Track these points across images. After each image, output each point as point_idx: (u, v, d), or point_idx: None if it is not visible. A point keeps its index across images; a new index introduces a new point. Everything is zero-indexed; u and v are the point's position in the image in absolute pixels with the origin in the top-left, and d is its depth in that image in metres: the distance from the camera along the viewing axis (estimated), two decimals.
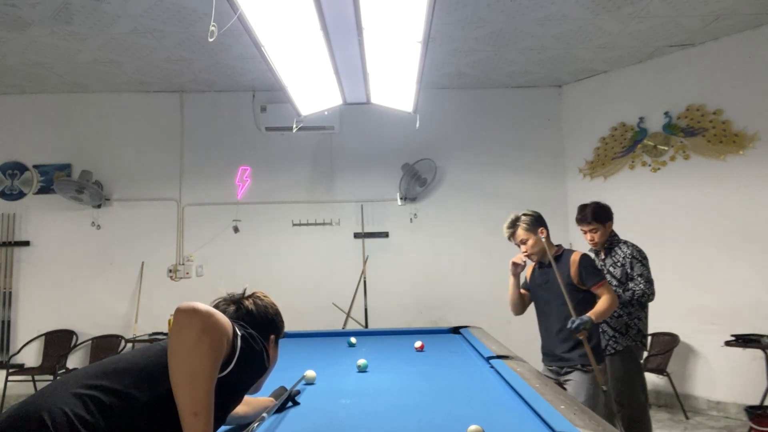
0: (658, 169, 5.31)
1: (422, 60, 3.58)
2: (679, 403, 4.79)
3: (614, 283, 3.30)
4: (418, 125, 5.01)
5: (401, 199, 6.02)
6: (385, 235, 6.08)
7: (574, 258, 2.91)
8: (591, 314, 2.76)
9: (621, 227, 5.47)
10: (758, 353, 4.43)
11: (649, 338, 5.04)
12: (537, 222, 2.99)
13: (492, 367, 2.43)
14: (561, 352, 2.89)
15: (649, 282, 3.22)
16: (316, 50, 3.42)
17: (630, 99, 5.54)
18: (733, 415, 4.63)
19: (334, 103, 4.85)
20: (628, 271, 3.28)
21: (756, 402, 4.19)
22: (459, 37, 4.80)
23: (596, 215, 3.36)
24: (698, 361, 4.93)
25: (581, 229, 3.46)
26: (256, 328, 1.39)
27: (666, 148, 5.26)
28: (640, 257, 3.29)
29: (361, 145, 6.17)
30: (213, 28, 2.55)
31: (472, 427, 1.45)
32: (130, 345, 5.57)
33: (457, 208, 6.01)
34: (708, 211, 4.93)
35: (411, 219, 6.08)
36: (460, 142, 6.16)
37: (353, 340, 3.31)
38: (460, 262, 5.91)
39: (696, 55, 5.07)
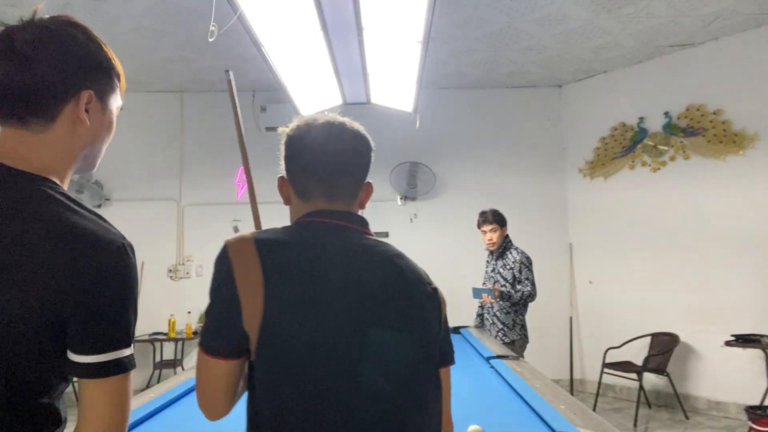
0: (658, 169, 5.31)
1: (422, 60, 3.59)
2: (679, 403, 4.79)
3: (504, 284, 3.70)
4: (418, 125, 5.01)
5: (401, 198, 6.02)
6: (385, 235, 6.07)
7: None
8: None
9: (621, 227, 5.56)
10: (758, 353, 4.43)
11: (649, 339, 5.08)
12: None
13: (492, 367, 2.43)
14: None
15: (533, 285, 3.65)
16: (316, 50, 3.43)
17: (630, 99, 5.53)
18: (733, 415, 4.63)
19: (334, 103, 4.86)
20: (516, 274, 3.66)
21: (756, 402, 4.18)
22: (459, 37, 4.79)
23: (495, 217, 3.77)
24: (698, 361, 4.93)
25: (482, 230, 3.82)
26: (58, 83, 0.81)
27: (666, 148, 5.26)
28: (528, 263, 3.68)
29: None
30: (213, 28, 2.55)
31: (472, 427, 1.45)
32: None
33: (457, 208, 6.00)
34: (708, 211, 4.92)
35: (411, 219, 6.08)
36: (460, 142, 6.15)
37: None
38: (460, 262, 5.89)
39: (696, 55, 5.07)
